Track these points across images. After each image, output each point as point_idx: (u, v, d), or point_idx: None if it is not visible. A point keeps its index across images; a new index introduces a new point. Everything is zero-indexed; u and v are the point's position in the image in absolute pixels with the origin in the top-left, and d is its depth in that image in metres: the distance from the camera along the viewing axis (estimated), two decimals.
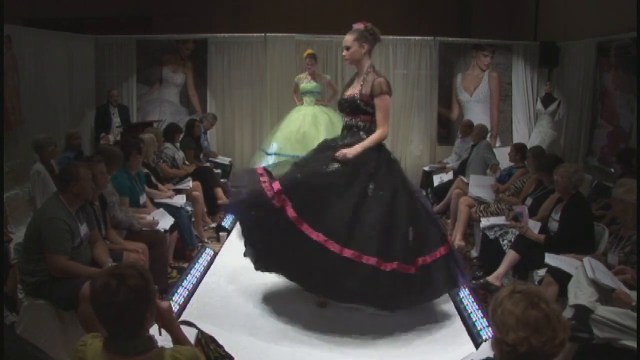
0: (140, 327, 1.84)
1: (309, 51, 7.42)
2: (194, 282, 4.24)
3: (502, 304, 1.69)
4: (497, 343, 1.70)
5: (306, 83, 7.21)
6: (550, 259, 3.68)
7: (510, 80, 8.40)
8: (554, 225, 4.15)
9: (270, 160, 7.33)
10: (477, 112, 8.30)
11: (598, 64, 6.73)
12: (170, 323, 2.13)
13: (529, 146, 5.92)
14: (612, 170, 6.14)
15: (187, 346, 2.07)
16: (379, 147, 3.74)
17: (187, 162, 6.48)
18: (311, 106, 7.33)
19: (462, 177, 6.24)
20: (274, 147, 7.21)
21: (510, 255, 4.18)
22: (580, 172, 4.13)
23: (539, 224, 4.36)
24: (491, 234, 4.67)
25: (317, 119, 6.99)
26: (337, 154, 3.63)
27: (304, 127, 7.03)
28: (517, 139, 7.91)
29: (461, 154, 7.15)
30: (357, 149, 3.62)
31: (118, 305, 1.77)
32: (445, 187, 6.55)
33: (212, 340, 2.57)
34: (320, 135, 6.23)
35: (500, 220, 4.78)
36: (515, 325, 1.64)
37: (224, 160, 7.74)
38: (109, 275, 1.82)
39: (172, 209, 4.91)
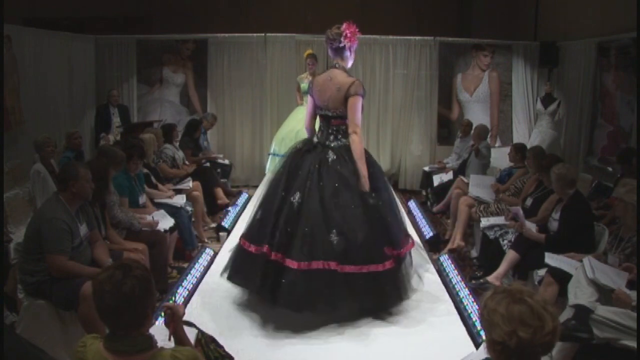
0: (141, 323, 1.84)
1: (310, 51, 7.43)
2: (194, 282, 4.23)
3: (486, 306, 1.70)
4: (489, 345, 1.71)
5: (307, 83, 7.16)
6: (550, 259, 3.69)
7: (510, 80, 8.40)
8: (554, 225, 4.15)
9: (276, 161, 7.40)
10: (477, 112, 8.30)
11: (598, 64, 6.73)
12: (180, 328, 2.17)
13: (529, 146, 5.92)
14: (610, 169, 6.15)
15: (187, 347, 2.08)
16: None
17: (187, 162, 6.48)
18: None
19: (462, 177, 6.24)
20: (273, 147, 7.38)
21: (510, 255, 4.19)
22: (572, 171, 4.13)
23: (534, 226, 4.35)
24: (491, 234, 4.67)
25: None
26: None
27: (298, 126, 6.98)
28: (517, 139, 7.92)
29: (461, 154, 7.15)
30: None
31: (124, 295, 1.77)
32: (445, 187, 6.55)
33: (212, 340, 2.57)
34: None
35: (500, 220, 4.78)
36: (501, 322, 1.64)
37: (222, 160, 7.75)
38: (114, 268, 1.84)
39: (172, 209, 4.91)
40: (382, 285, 3.54)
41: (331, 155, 3.65)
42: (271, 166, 7.51)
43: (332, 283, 3.41)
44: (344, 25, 3.74)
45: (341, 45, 3.72)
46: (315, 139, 3.85)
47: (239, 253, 3.73)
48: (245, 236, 3.72)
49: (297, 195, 3.55)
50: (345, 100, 3.60)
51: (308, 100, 4.03)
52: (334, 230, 3.45)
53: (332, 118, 3.73)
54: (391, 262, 3.56)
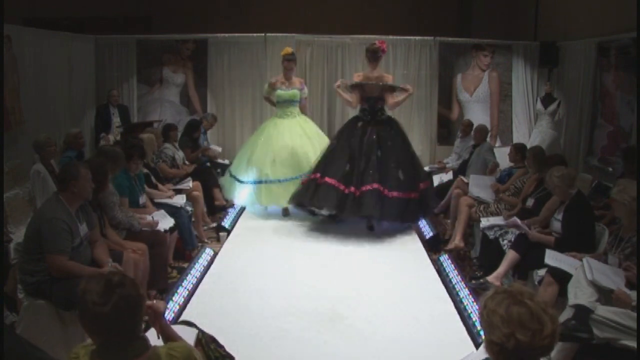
0: (131, 334, 1.79)
1: (289, 50, 6.35)
2: (194, 282, 4.24)
3: (486, 306, 1.70)
4: (487, 345, 1.70)
5: (284, 90, 6.18)
6: (550, 259, 3.69)
7: (510, 80, 8.40)
8: (556, 226, 4.14)
9: (236, 187, 6.20)
10: (477, 112, 8.30)
11: (598, 64, 6.73)
12: (165, 325, 2.12)
13: (529, 146, 5.92)
14: (610, 169, 6.15)
15: (181, 342, 2.04)
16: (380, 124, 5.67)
17: (187, 162, 6.48)
18: (294, 118, 6.26)
19: (462, 177, 6.23)
20: (253, 173, 6.11)
21: (510, 255, 4.18)
22: (572, 170, 4.12)
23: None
24: (491, 234, 4.67)
25: (305, 132, 6.22)
26: None
27: (293, 141, 6.10)
28: (517, 139, 7.92)
29: (461, 154, 7.15)
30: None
31: (111, 316, 1.71)
32: (445, 187, 6.54)
33: (213, 340, 2.57)
34: (316, 151, 5.93)
35: (500, 220, 4.78)
36: (500, 323, 1.64)
37: (222, 160, 7.74)
38: (98, 285, 1.75)
39: (172, 209, 4.90)
40: (415, 206, 5.53)
41: (387, 128, 5.65)
42: (244, 195, 6.16)
43: (398, 204, 5.38)
44: (378, 42, 5.65)
45: (378, 55, 5.65)
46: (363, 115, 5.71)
47: (330, 191, 5.41)
48: (339, 180, 5.43)
49: (379, 152, 5.48)
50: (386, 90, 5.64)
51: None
52: (400, 170, 5.47)
53: (377, 101, 5.63)
54: (418, 193, 5.53)
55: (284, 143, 6.09)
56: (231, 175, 6.34)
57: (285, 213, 6.16)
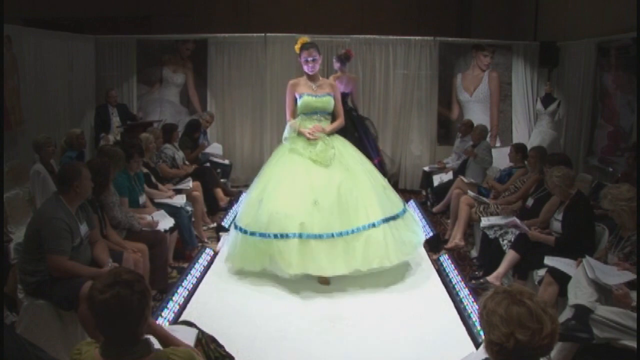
0: (141, 332, 1.81)
1: (306, 39, 4.68)
2: (194, 282, 4.24)
3: (486, 306, 1.70)
4: (487, 345, 1.70)
5: (312, 96, 4.46)
6: (550, 259, 3.68)
7: (510, 80, 8.39)
8: (556, 226, 4.14)
9: (271, 249, 4.15)
10: (477, 112, 8.30)
11: (598, 64, 6.73)
12: (155, 325, 2.11)
13: (529, 146, 5.92)
14: (611, 169, 6.15)
15: (182, 347, 2.05)
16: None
17: (187, 162, 6.48)
18: (326, 139, 4.43)
19: (462, 177, 6.23)
20: (276, 223, 4.13)
21: (510, 255, 4.19)
22: (569, 173, 4.12)
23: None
24: (491, 234, 4.67)
25: (349, 168, 4.39)
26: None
27: (336, 177, 4.24)
28: (517, 139, 7.91)
29: (461, 154, 7.15)
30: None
31: (132, 312, 1.74)
32: (445, 187, 6.55)
33: (213, 340, 2.57)
34: (369, 193, 4.29)
35: (500, 220, 4.77)
36: (499, 323, 1.64)
37: (220, 158, 7.72)
38: (117, 285, 1.76)
39: (172, 209, 4.91)
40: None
41: (352, 114, 6.74)
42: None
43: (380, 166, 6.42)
44: (348, 51, 6.90)
45: (349, 61, 6.85)
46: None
47: None
48: None
49: (356, 133, 6.70)
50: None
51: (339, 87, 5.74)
52: (372, 143, 6.99)
53: (347, 95, 6.70)
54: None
55: (329, 180, 4.23)
56: (240, 231, 4.36)
57: (325, 281, 4.25)
